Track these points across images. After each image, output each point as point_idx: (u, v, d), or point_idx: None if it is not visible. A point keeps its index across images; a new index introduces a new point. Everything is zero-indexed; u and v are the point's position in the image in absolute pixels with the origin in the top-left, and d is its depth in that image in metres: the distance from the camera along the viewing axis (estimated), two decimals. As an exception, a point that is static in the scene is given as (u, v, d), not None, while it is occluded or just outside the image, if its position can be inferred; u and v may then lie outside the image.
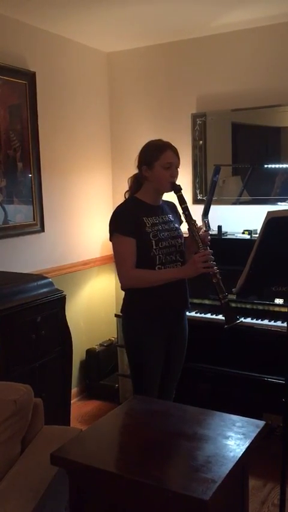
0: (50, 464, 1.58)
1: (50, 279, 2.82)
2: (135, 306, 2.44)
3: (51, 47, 3.55)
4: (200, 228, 2.42)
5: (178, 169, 2.41)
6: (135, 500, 1.47)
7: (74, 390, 3.67)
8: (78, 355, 3.71)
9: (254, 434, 1.63)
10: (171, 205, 2.58)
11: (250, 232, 3.36)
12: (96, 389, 3.89)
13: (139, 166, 2.43)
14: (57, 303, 2.77)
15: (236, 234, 3.45)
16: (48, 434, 1.93)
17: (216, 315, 3.13)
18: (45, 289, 2.73)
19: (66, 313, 2.85)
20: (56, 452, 1.57)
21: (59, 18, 3.27)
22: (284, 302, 3.04)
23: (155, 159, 2.35)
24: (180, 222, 2.56)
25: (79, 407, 3.73)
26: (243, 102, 3.51)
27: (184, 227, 2.50)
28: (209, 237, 2.42)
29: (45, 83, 3.46)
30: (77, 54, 3.79)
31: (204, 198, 3.63)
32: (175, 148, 2.40)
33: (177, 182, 2.40)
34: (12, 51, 3.22)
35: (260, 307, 3.07)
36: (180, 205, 2.41)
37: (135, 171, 2.48)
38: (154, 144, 2.41)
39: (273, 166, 3.48)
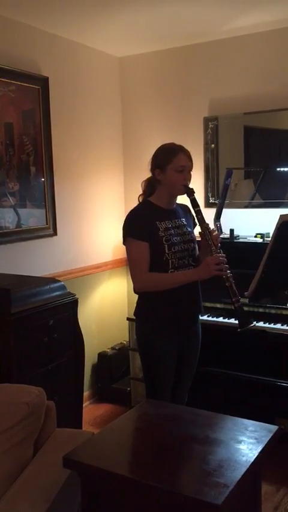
0: (62, 467, 1.59)
1: (63, 282, 2.83)
2: (148, 309, 2.44)
3: (64, 52, 3.58)
4: (212, 231, 2.42)
5: (191, 172, 2.42)
6: (147, 504, 1.47)
7: (86, 393, 3.68)
8: (90, 358, 3.72)
9: (266, 439, 1.63)
10: (184, 208, 2.58)
11: (262, 236, 3.34)
12: (108, 393, 3.89)
13: (152, 170, 2.43)
14: (69, 306, 2.78)
15: (248, 238, 3.44)
16: (60, 437, 1.93)
17: (228, 319, 3.11)
18: (57, 293, 2.74)
19: (78, 317, 2.86)
20: (68, 455, 1.58)
21: (72, 24, 3.29)
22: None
23: (168, 163, 2.36)
24: (194, 225, 2.56)
25: (91, 411, 3.74)
26: (255, 106, 3.50)
27: (196, 230, 2.50)
28: (220, 239, 2.42)
29: (58, 87, 3.48)
30: (90, 59, 3.81)
31: (216, 202, 3.62)
32: (188, 151, 2.40)
33: (190, 185, 2.40)
34: (25, 57, 3.25)
35: (273, 311, 3.06)
36: (193, 208, 2.42)
37: (147, 174, 2.49)
38: (167, 147, 2.42)
39: (285, 169, 3.47)
